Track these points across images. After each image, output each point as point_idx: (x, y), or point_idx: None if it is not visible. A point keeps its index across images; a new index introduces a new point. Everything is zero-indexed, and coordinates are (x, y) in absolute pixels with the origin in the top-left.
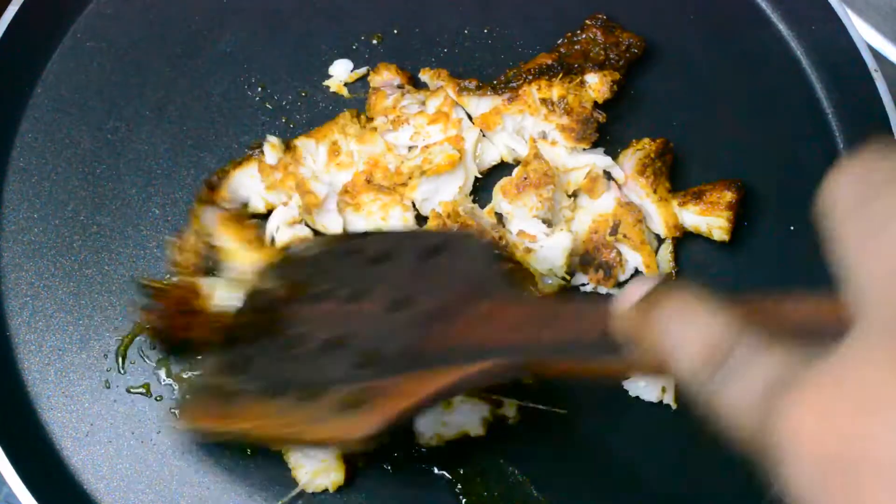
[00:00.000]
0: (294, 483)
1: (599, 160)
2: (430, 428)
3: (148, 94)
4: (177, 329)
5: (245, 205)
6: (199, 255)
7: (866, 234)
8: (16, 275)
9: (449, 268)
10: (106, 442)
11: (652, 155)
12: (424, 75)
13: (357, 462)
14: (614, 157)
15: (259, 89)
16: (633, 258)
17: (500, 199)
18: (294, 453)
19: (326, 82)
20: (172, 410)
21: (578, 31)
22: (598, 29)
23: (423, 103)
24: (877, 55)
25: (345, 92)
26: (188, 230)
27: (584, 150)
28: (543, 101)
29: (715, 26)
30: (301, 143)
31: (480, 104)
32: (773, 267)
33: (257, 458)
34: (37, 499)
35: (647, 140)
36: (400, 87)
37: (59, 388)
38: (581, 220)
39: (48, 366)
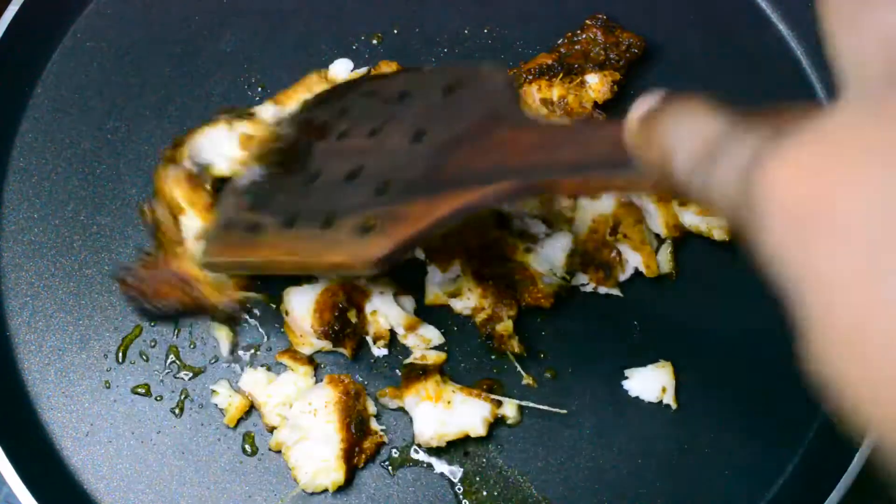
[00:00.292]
0: (294, 483)
1: None
2: (430, 428)
3: (148, 94)
4: (158, 296)
5: (206, 168)
6: (171, 218)
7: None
8: (16, 275)
9: (466, 101)
10: (106, 442)
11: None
12: None
13: (357, 462)
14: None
15: (259, 89)
16: (633, 258)
17: None
18: (294, 453)
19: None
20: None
21: (578, 32)
22: (598, 29)
23: None
24: None
25: None
26: (157, 195)
27: None
28: (543, 101)
29: (715, 26)
30: (266, 109)
31: None
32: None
33: (257, 458)
34: (37, 499)
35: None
36: None
37: (59, 388)
38: (581, 219)
39: (48, 366)
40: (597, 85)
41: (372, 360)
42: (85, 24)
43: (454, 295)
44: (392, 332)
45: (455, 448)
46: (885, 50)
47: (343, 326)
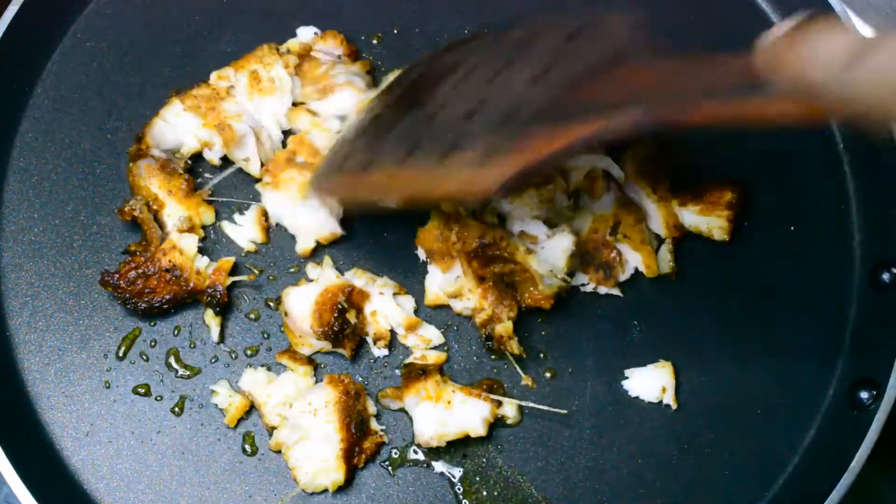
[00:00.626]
0: (294, 483)
1: (599, 160)
2: (430, 428)
3: (148, 94)
4: (150, 293)
5: (175, 151)
6: (148, 211)
7: None
8: (16, 275)
9: (589, 45)
10: (106, 442)
11: (652, 155)
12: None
13: (357, 462)
14: (615, 157)
15: None
16: (634, 258)
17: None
18: (294, 453)
19: None
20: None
21: None
22: None
23: (359, 75)
24: None
25: None
26: (134, 192)
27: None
28: None
29: (715, 26)
30: (221, 72)
31: None
32: (773, 267)
33: (257, 458)
34: (37, 499)
35: (647, 140)
36: (339, 57)
37: (59, 388)
38: (581, 220)
39: (48, 366)
40: None
41: (372, 360)
42: (85, 24)
43: (454, 295)
44: (392, 332)
45: (455, 448)
46: None
47: (343, 327)
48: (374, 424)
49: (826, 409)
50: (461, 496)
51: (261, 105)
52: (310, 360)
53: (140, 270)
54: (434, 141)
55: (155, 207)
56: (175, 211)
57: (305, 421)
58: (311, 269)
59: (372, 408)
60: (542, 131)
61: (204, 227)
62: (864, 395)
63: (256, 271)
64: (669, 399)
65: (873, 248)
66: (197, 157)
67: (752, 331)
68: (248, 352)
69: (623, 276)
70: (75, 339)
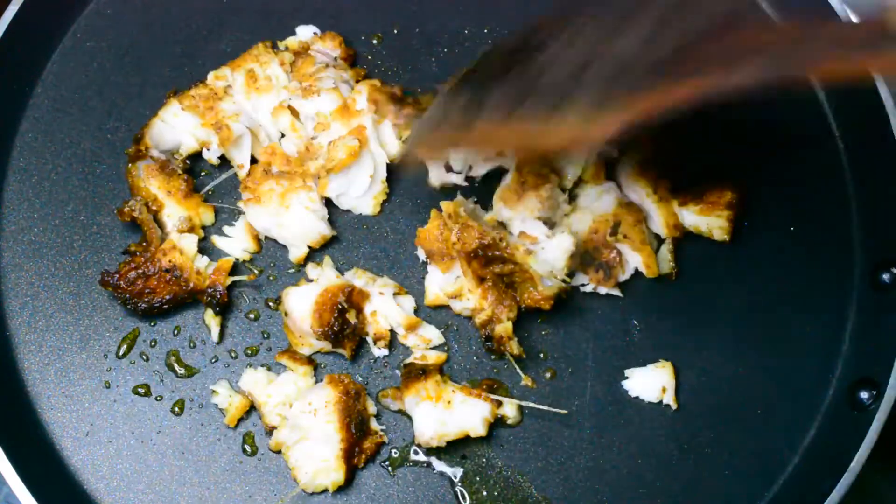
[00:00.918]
0: (294, 483)
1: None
2: (430, 428)
3: (148, 94)
4: (150, 293)
5: (174, 152)
6: (147, 212)
7: None
8: (16, 275)
9: (703, 6)
10: (106, 442)
11: (652, 155)
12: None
13: (357, 462)
14: (615, 157)
15: None
16: (634, 258)
17: (500, 207)
18: (294, 453)
19: None
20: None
21: None
22: None
23: (347, 83)
24: None
25: None
26: (134, 193)
27: None
28: None
29: None
30: (219, 71)
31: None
32: (773, 267)
33: (257, 458)
34: (37, 499)
35: (647, 140)
36: (335, 59)
37: (59, 388)
38: (581, 220)
39: (48, 366)
40: None
41: (372, 360)
42: (85, 24)
43: (454, 296)
44: (392, 332)
45: (455, 448)
46: None
47: (343, 327)
48: (374, 424)
49: (826, 409)
50: (461, 496)
51: (258, 103)
52: (310, 360)
53: (140, 271)
54: (543, 95)
55: (154, 208)
56: (175, 211)
57: (305, 421)
58: (311, 270)
59: (372, 408)
60: (657, 85)
61: (204, 227)
62: (864, 395)
63: (256, 271)
64: (669, 399)
65: (873, 248)
66: (196, 158)
67: (752, 331)
68: (248, 352)
69: (623, 277)
70: (75, 339)
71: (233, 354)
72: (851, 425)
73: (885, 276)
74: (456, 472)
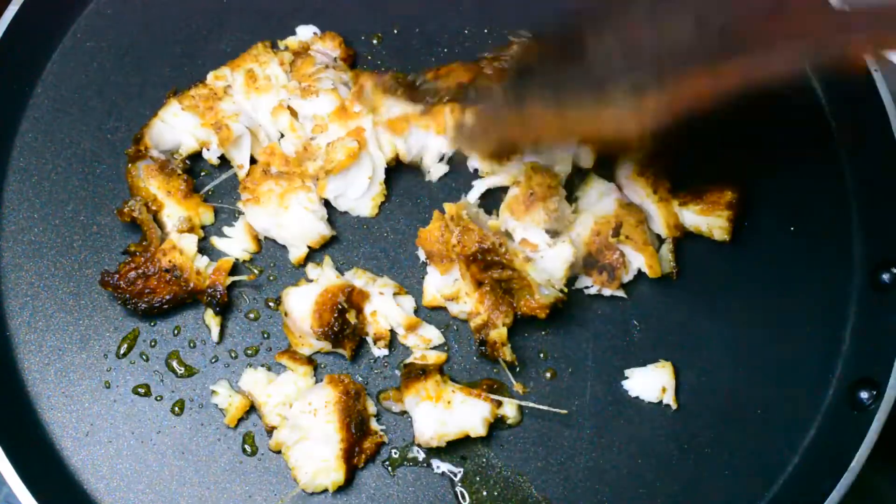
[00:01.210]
0: (294, 483)
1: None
2: (430, 428)
3: (148, 94)
4: (149, 293)
5: (174, 152)
6: (147, 212)
7: None
8: (16, 275)
9: None
10: (106, 442)
11: (652, 155)
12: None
13: (357, 462)
14: (615, 157)
15: None
16: (636, 259)
17: (507, 216)
18: (294, 453)
19: None
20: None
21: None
22: None
23: (346, 84)
24: None
25: None
26: (133, 193)
27: None
28: None
29: None
30: (218, 71)
31: (392, 108)
32: (773, 267)
33: (257, 458)
34: (37, 499)
35: (646, 141)
36: (335, 60)
37: (59, 388)
38: (583, 222)
39: (48, 366)
40: None
41: (372, 360)
42: (85, 24)
43: (451, 298)
44: (392, 332)
45: (455, 448)
46: None
47: (342, 327)
48: (374, 424)
49: (826, 409)
50: (461, 496)
51: (257, 103)
52: (310, 360)
53: (140, 271)
54: (590, 84)
55: (154, 208)
56: (174, 211)
57: (305, 421)
58: (311, 270)
59: (372, 408)
60: (700, 71)
61: (204, 227)
62: (864, 395)
63: (256, 271)
64: (669, 399)
65: (873, 248)
66: (196, 158)
67: (752, 331)
68: (248, 352)
69: (627, 278)
70: (75, 339)
71: (233, 354)
72: (851, 425)
73: (885, 276)
74: (456, 472)
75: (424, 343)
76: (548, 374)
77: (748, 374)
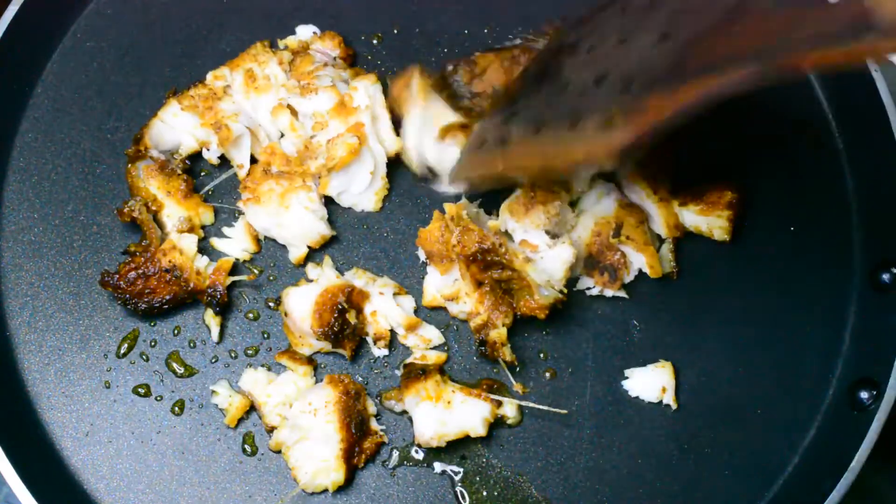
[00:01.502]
0: (294, 483)
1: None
2: (430, 428)
3: (148, 94)
4: (149, 293)
5: (174, 152)
6: (147, 212)
7: None
8: (16, 275)
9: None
10: (106, 442)
11: (652, 155)
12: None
13: (357, 462)
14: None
15: None
16: (638, 259)
17: (507, 217)
18: (294, 453)
19: None
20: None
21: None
22: None
23: (345, 81)
24: None
25: None
26: (133, 193)
27: None
28: None
29: None
30: (217, 71)
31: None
32: (773, 267)
33: (257, 458)
34: (37, 499)
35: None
36: (334, 59)
37: (59, 388)
38: (583, 223)
39: (48, 366)
40: None
41: (372, 360)
42: (85, 24)
43: (451, 298)
44: (392, 332)
45: (455, 448)
46: None
47: (342, 327)
48: (374, 424)
49: (826, 409)
50: (461, 496)
51: (257, 103)
52: (310, 360)
53: (140, 271)
54: (564, 110)
55: (154, 208)
56: (174, 211)
57: (305, 421)
58: (311, 270)
59: (372, 408)
60: (662, 92)
61: (204, 227)
62: (864, 395)
63: (256, 271)
64: (669, 399)
65: (873, 248)
66: (195, 158)
67: (752, 331)
68: (249, 352)
69: (628, 278)
70: (75, 339)
71: (233, 354)
72: (851, 425)
73: (885, 276)
74: (456, 472)
75: (424, 343)
76: (548, 374)
77: (748, 374)
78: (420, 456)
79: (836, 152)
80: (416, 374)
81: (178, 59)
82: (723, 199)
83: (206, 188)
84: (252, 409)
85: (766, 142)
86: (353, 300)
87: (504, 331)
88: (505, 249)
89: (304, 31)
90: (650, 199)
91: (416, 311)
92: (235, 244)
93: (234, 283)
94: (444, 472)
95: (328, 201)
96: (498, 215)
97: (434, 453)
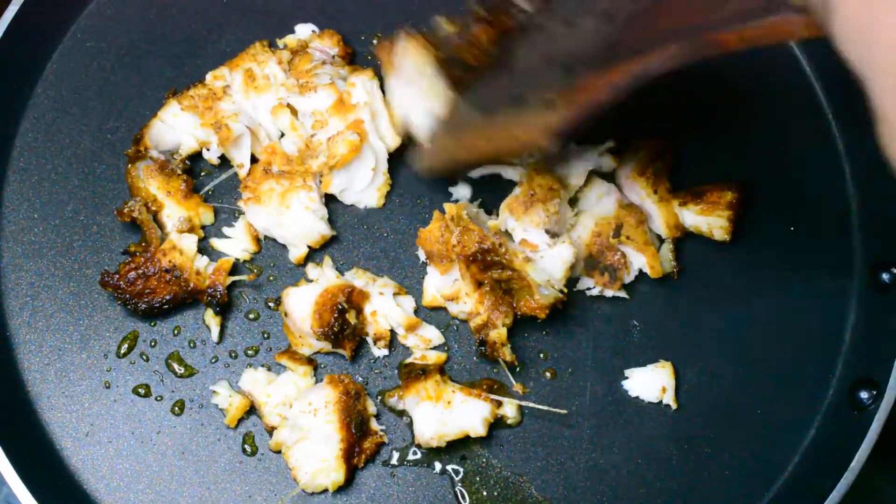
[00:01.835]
0: (294, 483)
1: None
2: (430, 428)
3: (148, 94)
4: (149, 294)
5: (174, 153)
6: (147, 212)
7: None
8: (16, 275)
9: None
10: (106, 442)
11: (652, 155)
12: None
13: (357, 462)
14: (615, 157)
15: None
16: (638, 259)
17: (506, 216)
18: (294, 453)
19: None
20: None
21: None
22: None
23: (343, 78)
24: None
25: None
26: (133, 194)
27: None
28: None
29: None
30: (217, 71)
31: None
32: (773, 267)
33: (257, 458)
34: (37, 499)
35: (647, 140)
36: (333, 58)
37: (59, 388)
38: (583, 223)
39: (48, 366)
40: None
41: (372, 360)
42: (85, 24)
43: (451, 298)
44: (392, 332)
45: (455, 448)
46: None
47: (342, 327)
48: (374, 424)
49: (826, 409)
50: (461, 496)
51: (257, 102)
52: (310, 360)
53: (140, 271)
54: (514, 93)
55: (154, 208)
56: (174, 212)
57: (305, 421)
58: (311, 270)
59: (372, 408)
60: (593, 73)
61: (204, 228)
62: (864, 395)
63: (256, 271)
64: (669, 399)
65: (873, 248)
66: (195, 158)
67: (752, 331)
68: (249, 352)
69: (628, 278)
70: (75, 339)
71: (233, 354)
72: (851, 425)
73: (885, 276)
74: (456, 472)
75: (424, 343)
76: (548, 374)
77: (748, 374)
78: (420, 456)
79: (836, 153)
80: (416, 374)
81: (178, 59)
82: (723, 199)
83: (206, 188)
84: (252, 409)
85: (767, 142)
86: (353, 300)
87: (504, 331)
88: (505, 249)
89: (303, 30)
90: (650, 198)
91: (416, 311)
92: (235, 244)
93: (234, 283)
94: (444, 472)
95: (328, 201)
96: (498, 215)
97: (434, 453)
